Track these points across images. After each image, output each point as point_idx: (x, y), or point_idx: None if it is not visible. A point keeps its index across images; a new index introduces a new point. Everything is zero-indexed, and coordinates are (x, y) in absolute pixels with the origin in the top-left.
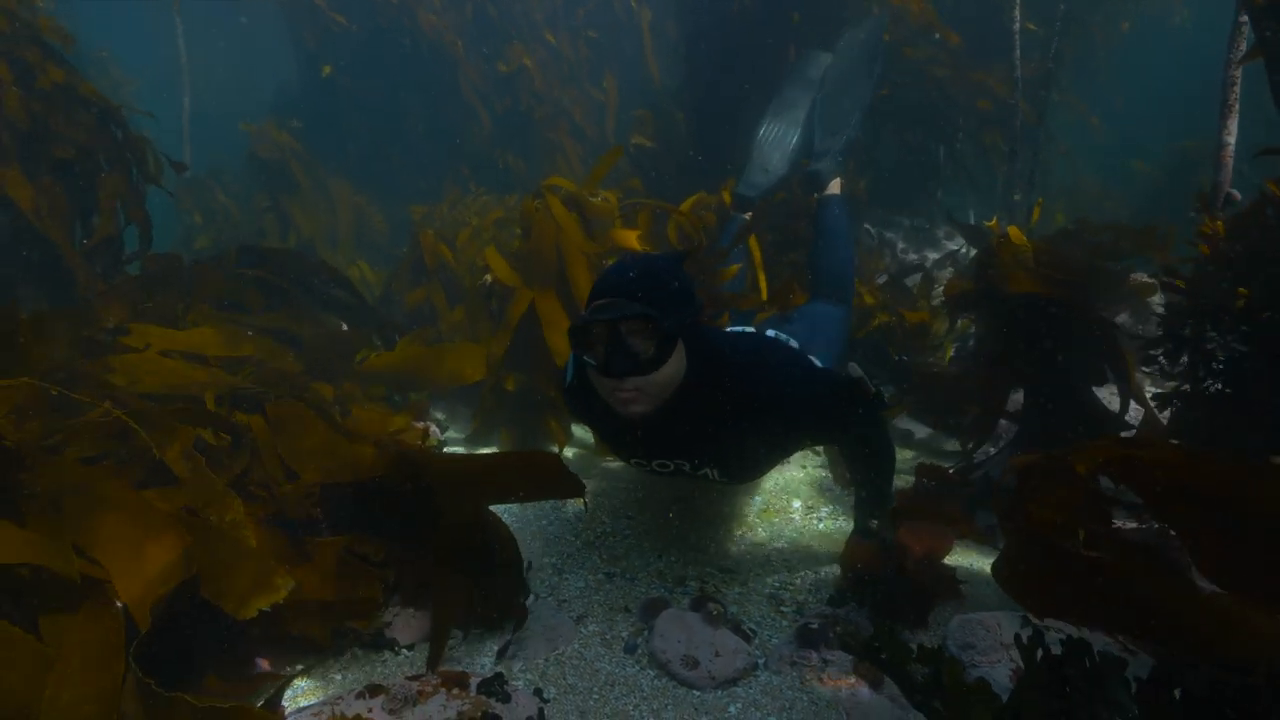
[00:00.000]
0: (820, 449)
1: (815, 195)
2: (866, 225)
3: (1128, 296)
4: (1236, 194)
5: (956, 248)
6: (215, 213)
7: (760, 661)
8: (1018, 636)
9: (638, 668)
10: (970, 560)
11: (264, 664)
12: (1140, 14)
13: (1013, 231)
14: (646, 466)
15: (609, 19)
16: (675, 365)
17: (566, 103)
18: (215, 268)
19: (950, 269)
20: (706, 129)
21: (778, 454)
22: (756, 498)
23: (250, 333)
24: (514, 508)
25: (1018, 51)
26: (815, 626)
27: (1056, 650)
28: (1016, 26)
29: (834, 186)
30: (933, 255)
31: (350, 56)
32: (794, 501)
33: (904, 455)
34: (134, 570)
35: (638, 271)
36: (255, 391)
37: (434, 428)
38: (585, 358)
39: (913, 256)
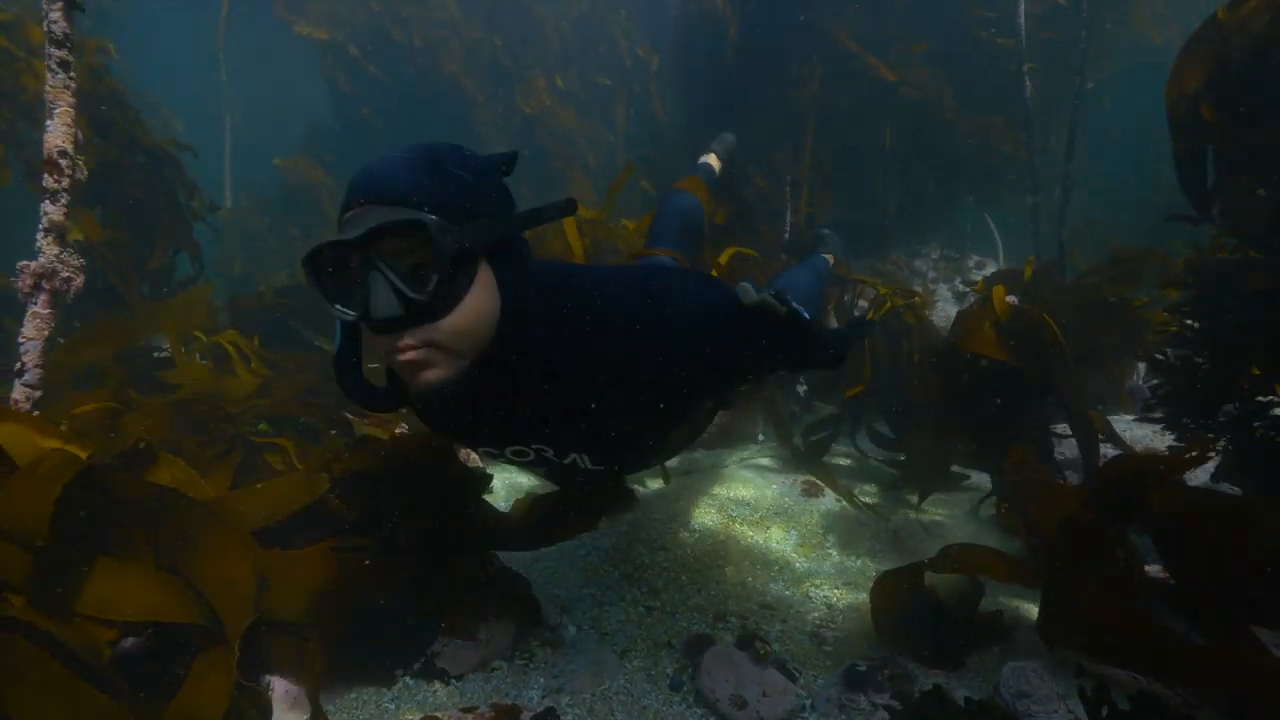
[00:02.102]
0: (870, 489)
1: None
2: (895, 255)
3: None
4: None
5: (981, 276)
6: (254, 237)
7: (807, 703)
8: (1081, 689)
9: (684, 705)
10: (1016, 603)
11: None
12: (1130, 49)
13: (997, 293)
14: (500, 456)
15: (618, 63)
16: (481, 305)
17: (579, 142)
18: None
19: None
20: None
21: (666, 426)
22: (793, 532)
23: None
24: None
25: (1029, 91)
26: (862, 669)
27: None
28: (1026, 68)
29: (832, 260)
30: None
31: (379, 98)
32: (830, 536)
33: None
34: (228, 589)
35: (404, 160)
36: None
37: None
38: (336, 307)
39: (942, 286)
